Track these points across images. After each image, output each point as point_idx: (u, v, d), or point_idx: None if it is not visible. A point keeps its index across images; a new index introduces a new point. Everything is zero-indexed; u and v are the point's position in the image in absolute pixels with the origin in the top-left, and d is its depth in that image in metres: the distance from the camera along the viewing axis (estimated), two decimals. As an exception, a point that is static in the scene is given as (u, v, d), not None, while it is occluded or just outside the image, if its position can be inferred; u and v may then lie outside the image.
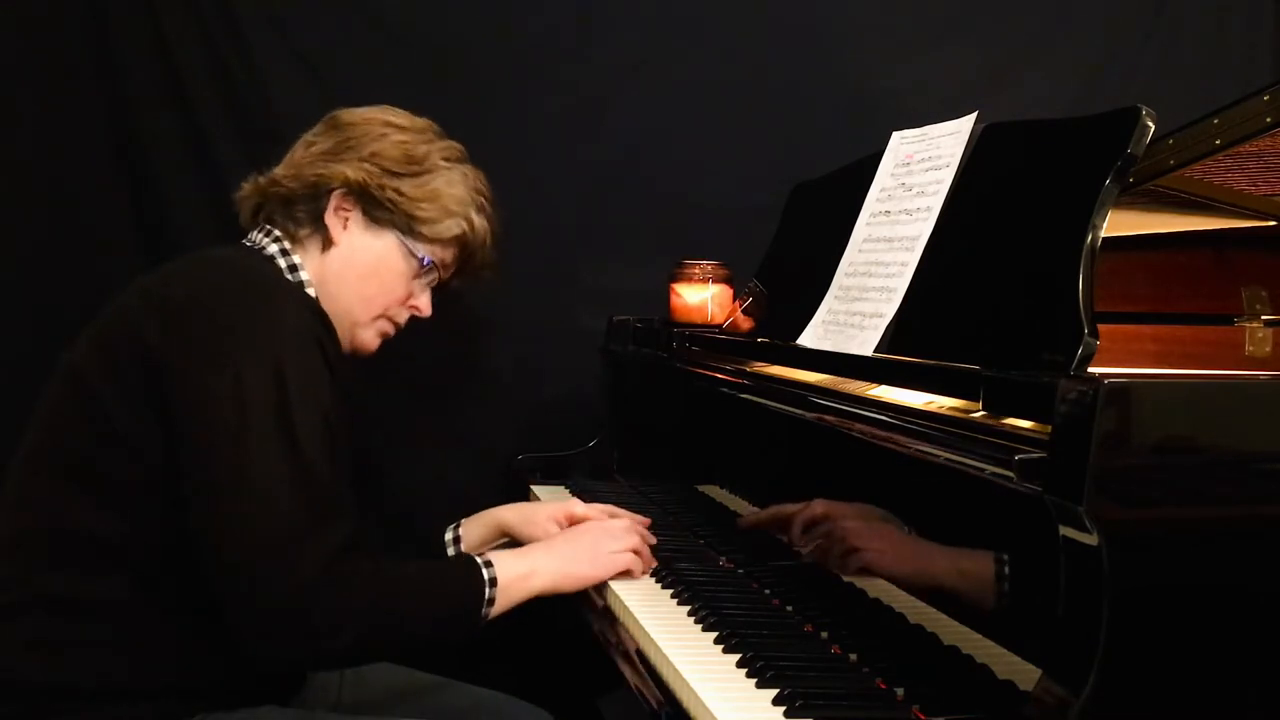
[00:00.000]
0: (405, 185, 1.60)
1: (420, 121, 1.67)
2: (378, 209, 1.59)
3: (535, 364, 2.49)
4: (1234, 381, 1.16)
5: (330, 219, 1.58)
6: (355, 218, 1.60)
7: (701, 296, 2.18)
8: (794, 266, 1.94)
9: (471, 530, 1.78)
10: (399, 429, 2.40)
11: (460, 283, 1.75)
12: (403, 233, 1.61)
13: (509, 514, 1.79)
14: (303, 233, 1.59)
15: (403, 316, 1.69)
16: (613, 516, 1.77)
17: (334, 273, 1.59)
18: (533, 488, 2.20)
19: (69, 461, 1.42)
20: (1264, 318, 1.74)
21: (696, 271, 2.19)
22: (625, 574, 1.56)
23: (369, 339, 1.66)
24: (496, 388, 2.49)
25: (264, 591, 1.29)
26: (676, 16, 2.51)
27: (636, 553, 1.58)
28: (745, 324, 2.01)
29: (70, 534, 1.39)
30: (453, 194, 1.63)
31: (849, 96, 2.50)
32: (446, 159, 1.65)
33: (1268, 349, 1.73)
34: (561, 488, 2.19)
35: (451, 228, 1.64)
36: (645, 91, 2.49)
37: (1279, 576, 0.97)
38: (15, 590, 1.40)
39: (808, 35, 2.53)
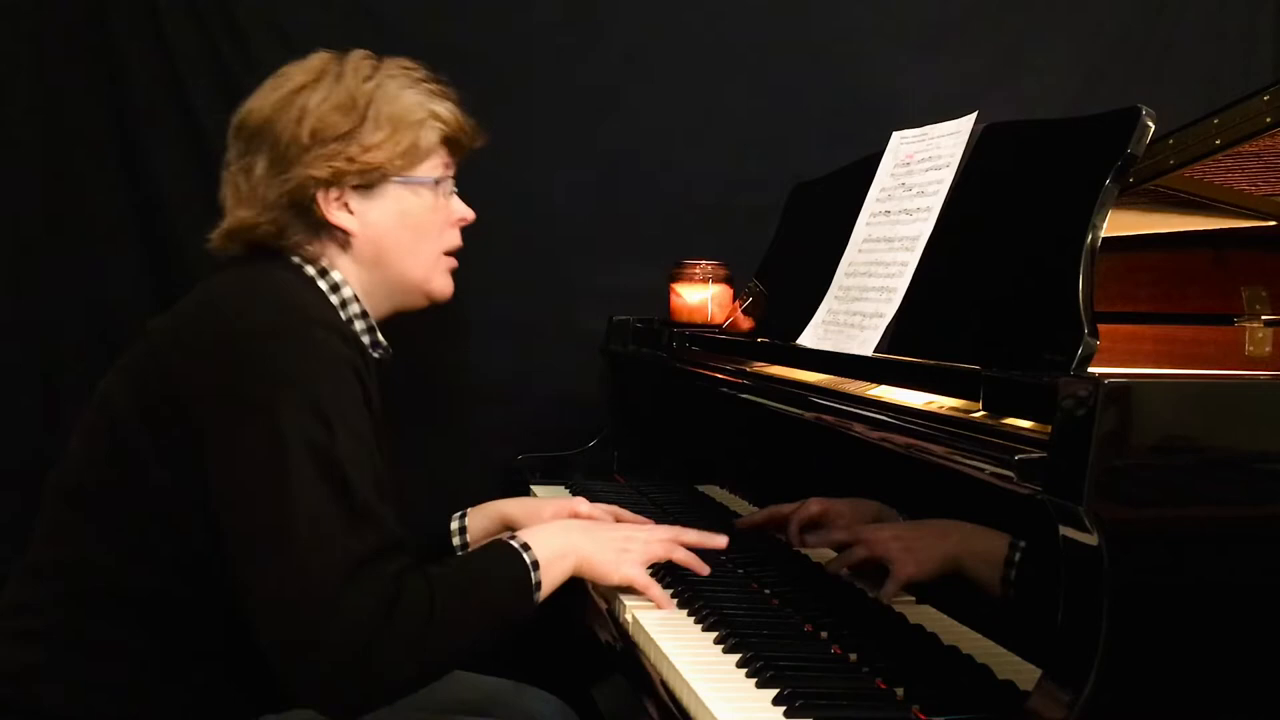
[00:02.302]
0: (364, 137, 1.48)
1: (312, 63, 1.53)
2: (361, 176, 1.48)
3: (535, 364, 2.49)
4: (1234, 381, 1.16)
5: (332, 218, 1.48)
6: (351, 198, 1.49)
7: (701, 296, 2.18)
8: (794, 266, 1.94)
9: (476, 521, 1.78)
10: (398, 429, 2.40)
11: (462, 162, 1.63)
12: (397, 175, 1.51)
13: (513, 507, 1.79)
14: (313, 247, 1.51)
15: (455, 238, 1.61)
16: (616, 519, 1.77)
17: (370, 258, 1.52)
18: (533, 488, 2.20)
19: (89, 496, 1.40)
20: (1264, 318, 1.75)
21: (696, 271, 2.19)
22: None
23: (442, 283, 1.60)
24: (496, 388, 2.48)
25: (326, 641, 1.22)
26: (676, 16, 2.51)
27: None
28: (745, 324, 2.01)
29: (85, 569, 1.38)
30: (403, 105, 1.51)
31: (849, 96, 2.50)
32: (366, 79, 1.51)
33: (1268, 349, 1.73)
34: (561, 488, 2.19)
35: (429, 135, 1.53)
36: (645, 91, 2.50)
37: (1279, 576, 0.97)
38: (37, 616, 1.39)
39: (808, 36, 2.54)
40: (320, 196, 1.48)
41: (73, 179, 2.42)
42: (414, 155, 1.52)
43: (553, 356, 2.49)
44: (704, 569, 1.52)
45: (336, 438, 1.28)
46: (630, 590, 1.50)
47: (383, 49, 2.40)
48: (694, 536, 1.56)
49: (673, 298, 2.21)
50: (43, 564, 1.42)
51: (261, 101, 1.51)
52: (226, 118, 2.37)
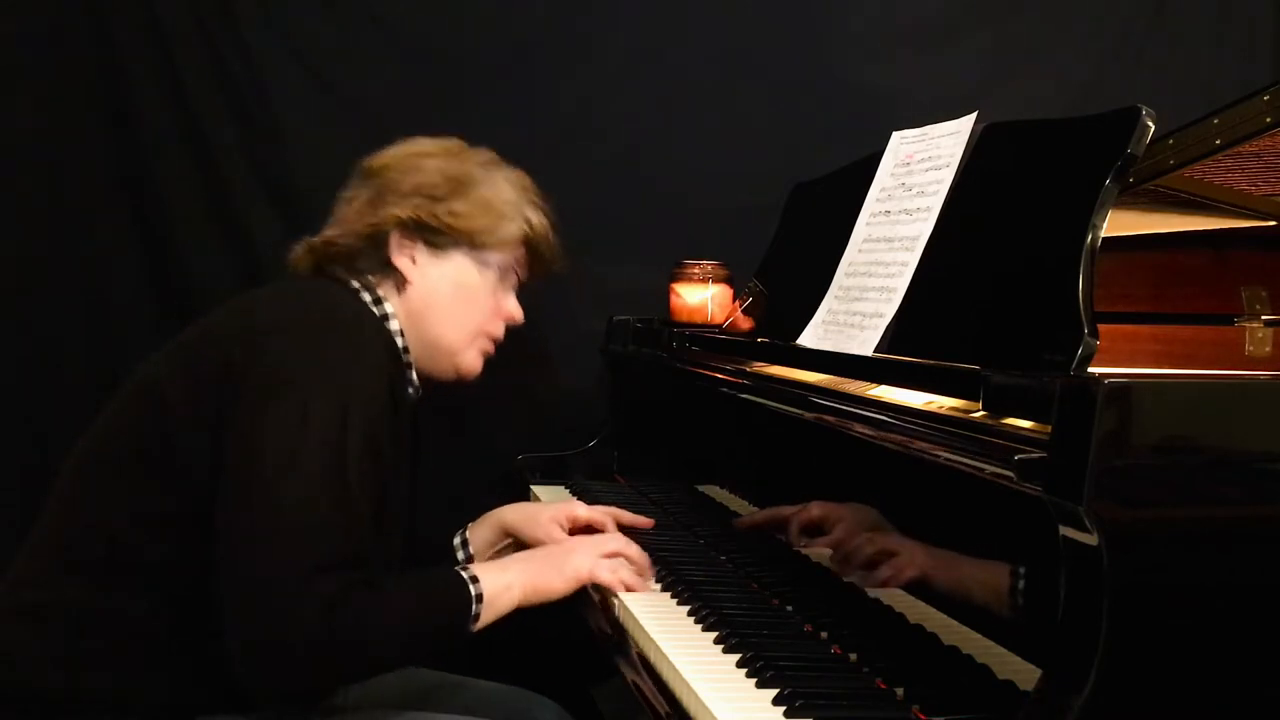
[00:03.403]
0: (455, 204, 1.60)
1: (447, 141, 1.67)
2: (438, 236, 1.59)
3: (535, 364, 2.48)
4: (1234, 381, 1.16)
5: (397, 260, 1.58)
6: (420, 251, 1.60)
7: (701, 296, 2.18)
8: (794, 266, 1.94)
9: (478, 533, 1.80)
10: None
11: (532, 281, 1.74)
12: (469, 248, 1.62)
13: (512, 515, 1.80)
14: (374, 279, 1.60)
15: (499, 329, 1.70)
16: (616, 520, 1.78)
17: (418, 310, 1.60)
18: (533, 488, 2.20)
19: (115, 471, 1.43)
20: (1264, 318, 1.74)
21: (696, 271, 2.19)
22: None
23: (471, 361, 1.68)
24: (496, 388, 2.48)
25: (274, 619, 1.28)
26: (677, 16, 2.51)
27: (620, 562, 1.56)
28: (745, 324, 2.01)
29: (100, 543, 1.40)
30: (502, 198, 1.64)
31: (849, 96, 2.50)
32: (483, 166, 1.66)
33: (1268, 349, 1.73)
34: (561, 488, 2.19)
35: (513, 230, 1.64)
36: (645, 91, 2.50)
37: (1279, 577, 0.97)
38: (42, 591, 1.41)
39: (808, 35, 2.53)
40: (394, 236, 1.59)
41: (73, 180, 2.43)
42: (491, 236, 1.63)
43: (553, 356, 2.49)
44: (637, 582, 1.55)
45: (353, 440, 1.35)
46: (600, 589, 1.53)
47: (384, 53, 2.44)
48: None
49: (673, 298, 2.21)
50: (56, 541, 1.44)
51: (389, 153, 1.66)
52: (226, 118, 2.43)
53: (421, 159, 1.63)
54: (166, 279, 2.44)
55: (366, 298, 1.58)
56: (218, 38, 2.41)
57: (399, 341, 1.60)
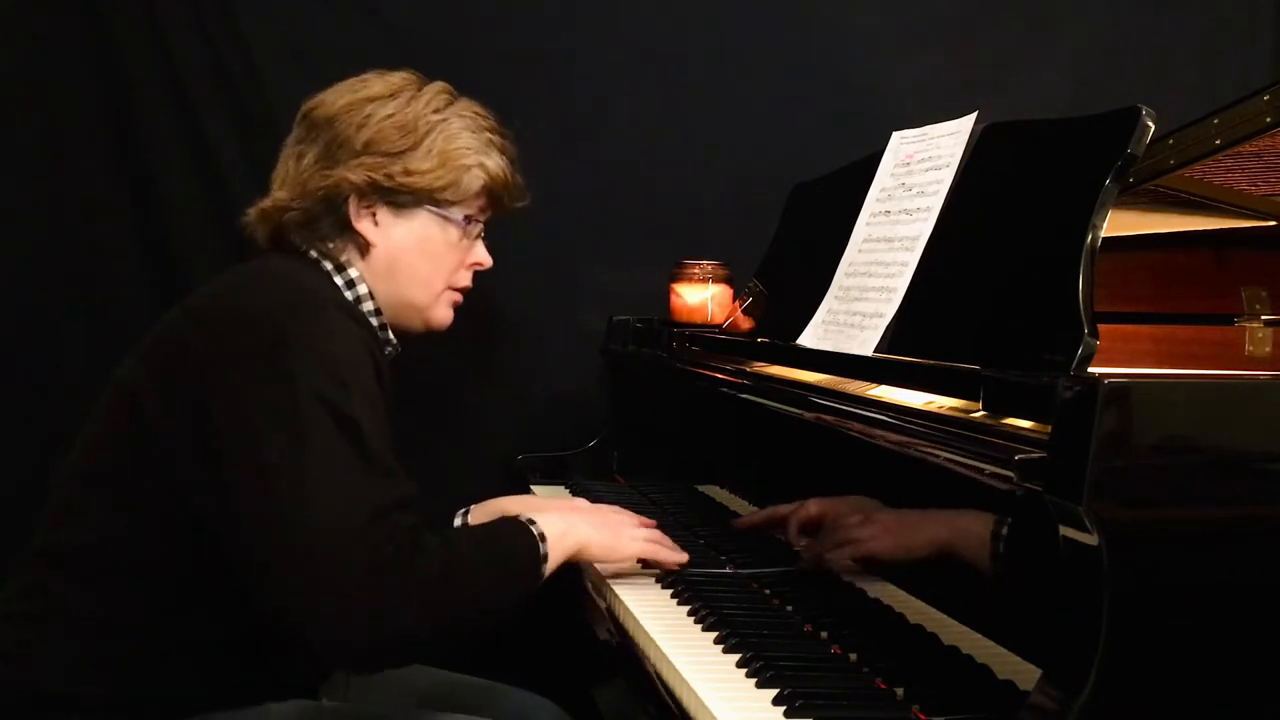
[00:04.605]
0: (411, 161, 1.55)
1: (394, 79, 1.60)
2: (397, 195, 1.56)
3: (535, 364, 2.49)
4: (1234, 381, 1.16)
5: (359, 224, 1.56)
6: (381, 212, 1.56)
7: (701, 296, 2.18)
8: (794, 266, 1.94)
9: (478, 518, 1.79)
10: (399, 428, 2.40)
11: (498, 216, 1.70)
12: (431, 205, 1.58)
13: (513, 505, 1.79)
14: (334, 245, 1.57)
15: (467, 279, 1.68)
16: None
17: (384, 270, 1.58)
18: (533, 488, 2.20)
19: (102, 476, 1.42)
20: (1264, 318, 1.75)
21: (696, 271, 2.19)
22: (633, 573, 1.56)
23: (442, 314, 1.66)
24: (496, 388, 2.49)
25: (341, 584, 1.23)
26: (676, 16, 2.51)
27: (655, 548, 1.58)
28: (745, 324, 2.01)
29: (99, 550, 1.40)
30: (459, 147, 1.58)
31: (849, 96, 2.50)
32: (436, 110, 1.59)
33: (1268, 349, 1.73)
34: (561, 488, 2.19)
35: (473, 182, 1.60)
36: (645, 91, 2.49)
37: (1279, 577, 0.97)
38: (40, 600, 1.41)
39: (807, 35, 2.53)
40: (353, 201, 1.55)
41: (73, 179, 2.42)
42: (452, 192, 1.59)
43: (553, 356, 2.49)
44: (680, 558, 1.57)
45: (352, 397, 1.32)
46: (629, 588, 1.52)
47: (384, 52, 2.43)
48: (668, 552, 1.59)
49: (673, 298, 2.21)
50: (53, 548, 1.43)
51: (334, 98, 1.59)
52: (226, 118, 2.43)
53: (370, 106, 1.56)
54: (166, 279, 2.44)
55: (328, 266, 1.56)
56: (218, 38, 2.41)
57: (369, 305, 1.57)
